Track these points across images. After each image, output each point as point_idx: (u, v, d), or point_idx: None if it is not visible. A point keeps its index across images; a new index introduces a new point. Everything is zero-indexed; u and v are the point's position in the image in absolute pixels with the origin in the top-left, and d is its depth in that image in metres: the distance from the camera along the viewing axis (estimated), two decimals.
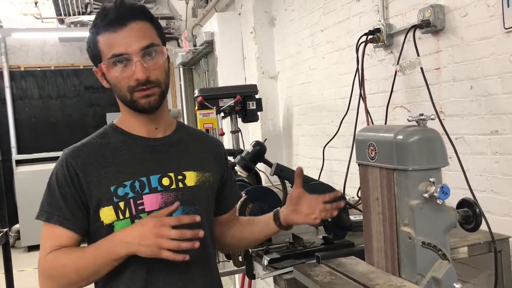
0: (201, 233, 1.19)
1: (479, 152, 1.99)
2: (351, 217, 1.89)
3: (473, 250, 1.74)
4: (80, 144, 1.33)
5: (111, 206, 1.26)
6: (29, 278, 5.30)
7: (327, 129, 3.22)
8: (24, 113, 7.70)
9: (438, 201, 1.16)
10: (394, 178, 1.23)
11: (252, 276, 1.84)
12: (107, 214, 1.26)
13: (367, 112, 2.46)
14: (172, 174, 1.33)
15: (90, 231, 1.30)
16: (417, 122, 1.22)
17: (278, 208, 1.50)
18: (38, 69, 7.80)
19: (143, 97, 1.27)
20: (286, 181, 2.00)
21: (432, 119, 1.22)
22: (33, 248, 6.52)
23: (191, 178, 1.36)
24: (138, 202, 1.27)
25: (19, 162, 6.99)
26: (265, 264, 1.66)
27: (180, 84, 6.38)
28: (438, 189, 1.14)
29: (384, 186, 1.27)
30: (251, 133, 4.18)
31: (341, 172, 3.01)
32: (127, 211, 1.26)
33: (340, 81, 3.01)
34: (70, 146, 1.33)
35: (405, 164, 1.19)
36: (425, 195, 1.17)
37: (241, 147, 3.50)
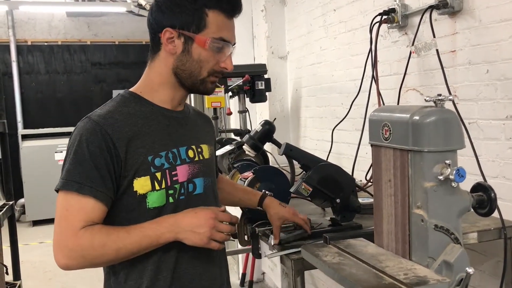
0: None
1: (493, 138, 1.95)
2: (360, 200, 1.87)
3: (483, 236, 1.72)
4: (107, 112, 1.27)
5: (148, 176, 1.24)
6: (33, 252, 5.36)
7: (336, 111, 3.18)
8: (31, 88, 7.68)
9: (453, 184, 1.13)
10: (409, 160, 1.20)
11: (258, 256, 1.82)
12: (142, 185, 1.24)
13: (379, 94, 2.42)
14: (194, 146, 1.38)
15: (117, 201, 1.25)
16: (434, 102, 1.19)
17: (266, 194, 1.68)
18: (45, 43, 7.76)
19: (212, 83, 1.34)
20: (294, 161, 1.98)
21: (450, 99, 1.19)
22: (38, 222, 6.57)
23: (206, 151, 1.42)
24: (173, 173, 1.29)
25: (25, 137, 7.00)
26: (272, 244, 1.65)
27: None
28: (454, 172, 1.11)
29: (398, 168, 1.24)
30: (258, 113, 4.14)
31: (349, 155, 2.99)
32: (163, 181, 1.27)
33: (352, 62, 2.96)
34: (93, 113, 1.27)
35: (420, 145, 1.16)
36: (440, 177, 1.14)
37: (248, 127, 3.47)
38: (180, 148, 1.33)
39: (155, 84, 1.35)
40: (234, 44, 1.35)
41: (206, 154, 1.41)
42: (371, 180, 2.46)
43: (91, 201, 1.19)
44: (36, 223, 6.63)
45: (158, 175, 1.26)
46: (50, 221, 6.47)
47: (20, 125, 7.47)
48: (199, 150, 1.39)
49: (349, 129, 2.98)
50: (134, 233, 1.21)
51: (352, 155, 2.81)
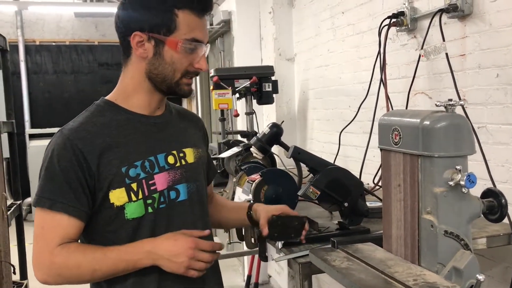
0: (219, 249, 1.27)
1: (502, 142, 1.94)
2: (368, 204, 1.86)
3: (492, 241, 1.71)
4: (80, 124, 1.24)
5: (123, 188, 1.21)
6: None
7: (343, 114, 3.18)
8: (38, 87, 7.72)
9: (463, 190, 1.13)
10: (419, 165, 1.19)
11: (264, 258, 1.82)
12: (118, 196, 1.21)
13: (387, 97, 2.41)
14: (175, 152, 1.33)
15: (94, 214, 1.23)
16: (445, 107, 1.18)
17: (251, 207, 1.55)
18: (53, 43, 7.79)
19: (187, 84, 1.29)
20: (302, 164, 1.98)
21: (461, 104, 1.18)
22: None
23: (190, 155, 1.37)
24: (150, 182, 1.25)
25: (32, 136, 7.04)
26: (279, 247, 1.64)
27: None
28: (465, 177, 1.11)
29: (407, 172, 1.24)
30: (265, 115, 4.14)
31: (356, 158, 2.98)
32: (140, 192, 1.23)
33: (360, 65, 2.95)
34: (66, 126, 1.24)
35: (431, 150, 1.15)
36: (451, 183, 1.13)
37: (255, 129, 3.47)
38: (158, 155, 1.28)
39: (129, 90, 1.30)
40: (207, 43, 1.30)
41: (190, 158, 1.35)
42: (379, 184, 2.46)
43: (64, 218, 1.18)
44: None
45: (134, 185, 1.22)
46: None
47: (27, 124, 7.51)
48: (181, 155, 1.33)
49: (357, 132, 2.97)
50: (111, 255, 1.18)
51: (359, 158, 2.80)
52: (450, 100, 1.18)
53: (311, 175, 1.78)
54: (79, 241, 1.24)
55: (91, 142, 1.21)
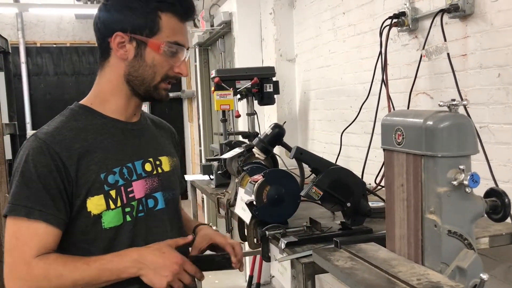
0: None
1: (504, 142, 1.94)
2: (370, 203, 1.86)
3: (494, 241, 1.71)
4: (55, 129, 1.19)
5: (102, 195, 1.18)
6: None
7: (345, 114, 3.18)
8: (39, 89, 7.73)
9: (467, 190, 1.13)
10: (422, 165, 1.19)
11: (267, 259, 1.82)
12: (96, 204, 1.17)
13: (389, 98, 2.41)
14: (151, 159, 1.30)
15: (69, 223, 1.17)
16: (448, 107, 1.18)
17: (200, 226, 1.50)
18: (54, 45, 7.81)
19: (165, 89, 1.27)
20: (304, 164, 1.98)
21: (464, 105, 1.18)
22: None
23: (166, 163, 1.34)
24: (129, 189, 1.21)
25: None
26: (282, 247, 1.65)
27: (195, 65, 6.35)
28: (468, 177, 1.11)
29: (411, 172, 1.24)
30: (266, 116, 4.15)
31: (358, 158, 2.98)
32: (119, 199, 1.19)
33: (361, 66, 2.96)
34: (40, 130, 1.19)
35: (434, 150, 1.16)
36: (454, 182, 1.13)
37: (256, 130, 3.47)
38: (135, 162, 1.25)
39: (106, 93, 1.27)
40: (188, 48, 1.29)
41: (166, 167, 1.33)
42: (381, 184, 2.46)
43: (42, 226, 1.11)
44: None
45: (113, 193, 1.18)
46: None
47: (28, 126, 7.52)
48: (158, 162, 1.31)
49: (358, 132, 2.97)
50: (94, 265, 1.13)
51: (361, 158, 2.81)
52: (453, 100, 1.18)
53: (312, 175, 1.78)
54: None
55: (69, 147, 1.16)
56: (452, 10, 2.07)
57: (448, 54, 2.06)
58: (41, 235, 1.11)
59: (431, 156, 1.16)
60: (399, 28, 2.46)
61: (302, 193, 1.75)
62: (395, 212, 1.32)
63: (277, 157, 2.73)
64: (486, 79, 2.01)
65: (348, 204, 1.73)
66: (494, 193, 1.23)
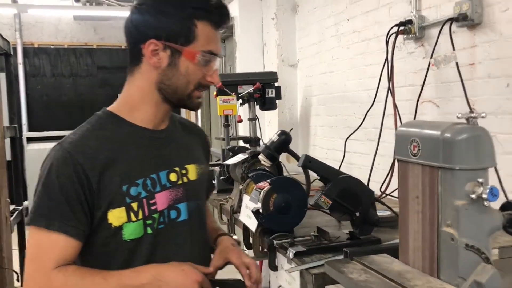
0: None
1: None
2: (377, 212, 1.85)
3: (504, 252, 1.70)
4: (81, 138, 1.18)
5: (123, 208, 1.16)
6: None
7: (348, 121, 3.17)
8: (36, 90, 7.68)
9: (485, 203, 1.12)
10: (438, 177, 1.18)
11: (274, 268, 1.80)
12: (118, 216, 1.15)
13: (395, 106, 2.40)
14: (177, 169, 1.27)
15: (90, 235, 1.16)
16: (466, 119, 1.17)
17: (227, 233, 1.47)
18: (52, 46, 7.76)
19: (198, 98, 1.25)
20: (312, 172, 1.96)
21: (482, 117, 1.17)
22: None
23: (192, 172, 1.31)
24: (151, 201, 1.19)
25: (30, 140, 6.99)
26: (291, 257, 1.63)
27: None
28: (487, 191, 1.09)
29: (426, 184, 1.22)
30: (267, 121, 4.13)
31: (360, 165, 2.97)
32: (140, 212, 1.17)
33: (365, 72, 2.95)
34: (66, 139, 1.18)
35: (451, 163, 1.14)
36: (473, 196, 1.12)
37: (258, 135, 3.45)
38: (160, 172, 1.22)
39: (135, 101, 1.24)
40: (220, 57, 1.27)
41: (192, 176, 1.30)
42: (386, 192, 2.45)
43: (61, 238, 1.10)
44: None
45: (134, 205, 1.16)
46: None
47: (25, 127, 7.46)
48: (184, 172, 1.28)
49: (361, 139, 2.96)
50: (111, 280, 1.11)
51: (363, 165, 2.80)
52: (472, 112, 1.17)
53: (315, 182, 1.77)
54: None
55: (93, 157, 1.14)
56: (460, 19, 2.07)
57: (456, 63, 2.05)
58: (60, 246, 1.10)
59: (449, 169, 1.15)
60: (405, 36, 2.46)
61: (312, 203, 1.73)
62: (409, 224, 1.30)
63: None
64: (494, 89, 2.00)
65: (357, 214, 1.71)
66: (510, 206, 1.21)
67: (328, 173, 1.75)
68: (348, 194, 1.71)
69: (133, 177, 1.17)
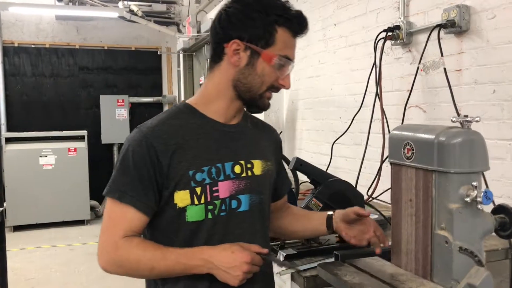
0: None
1: (498, 157, 1.97)
2: None
3: (490, 256, 1.72)
4: (157, 123, 1.29)
5: (188, 190, 1.24)
6: (14, 258, 5.21)
7: (334, 125, 3.19)
8: (16, 90, 7.51)
9: (479, 206, 1.13)
10: (433, 180, 1.19)
11: None
12: (182, 198, 1.25)
13: (382, 110, 2.42)
14: (243, 162, 1.34)
15: (158, 212, 1.27)
16: (461, 123, 1.18)
17: (331, 213, 1.49)
18: (32, 46, 7.62)
19: (268, 98, 1.33)
20: (301, 174, 1.96)
21: (477, 121, 1.19)
22: (19, 228, 6.40)
23: (258, 167, 1.38)
24: (214, 188, 1.27)
25: (9, 140, 6.84)
26: (281, 260, 1.62)
27: (179, 71, 6.29)
28: (482, 194, 1.11)
29: (420, 187, 1.23)
30: None
31: (346, 169, 2.99)
32: (203, 196, 1.26)
33: (352, 77, 2.97)
34: (145, 124, 1.29)
35: (446, 166, 1.15)
36: (467, 199, 1.13)
37: None
38: (225, 163, 1.30)
39: (211, 95, 1.33)
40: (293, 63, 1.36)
41: (257, 171, 1.36)
42: (372, 196, 2.47)
43: (131, 210, 1.22)
44: (16, 228, 6.45)
45: (198, 190, 1.25)
46: (32, 226, 6.32)
47: (3, 127, 7.30)
48: (249, 166, 1.35)
49: (347, 143, 2.98)
50: (170, 257, 1.21)
51: (349, 169, 2.82)
52: (466, 116, 1.19)
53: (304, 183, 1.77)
54: (141, 235, 1.28)
55: (165, 142, 1.25)
56: (448, 25, 2.10)
57: (444, 69, 2.08)
58: (129, 218, 1.23)
59: (443, 172, 1.16)
60: (393, 42, 2.49)
61: (302, 205, 1.73)
62: (402, 227, 1.31)
63: None
64: (480, 95, 2.04)
65: None
66: (502, 209, 1.23)
67: (318, 176, 1.76)
68: (339, 197, 1.72)
69: (199, 164, 1.26)
